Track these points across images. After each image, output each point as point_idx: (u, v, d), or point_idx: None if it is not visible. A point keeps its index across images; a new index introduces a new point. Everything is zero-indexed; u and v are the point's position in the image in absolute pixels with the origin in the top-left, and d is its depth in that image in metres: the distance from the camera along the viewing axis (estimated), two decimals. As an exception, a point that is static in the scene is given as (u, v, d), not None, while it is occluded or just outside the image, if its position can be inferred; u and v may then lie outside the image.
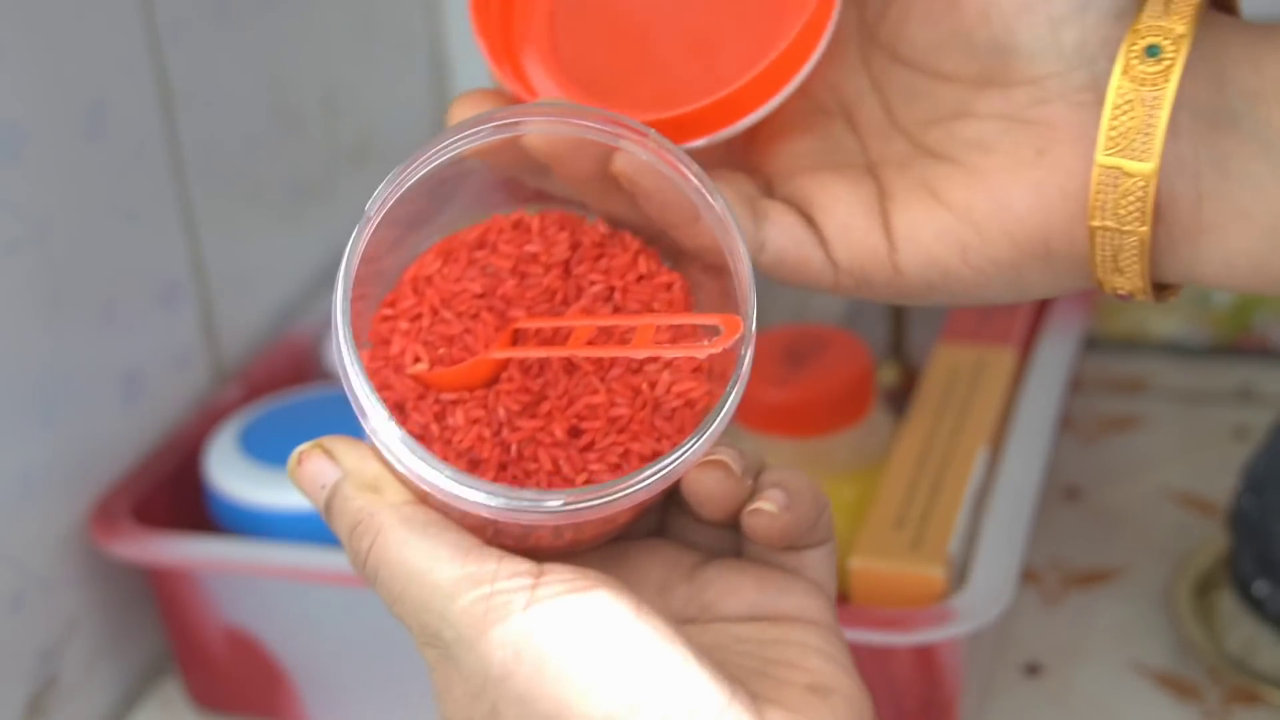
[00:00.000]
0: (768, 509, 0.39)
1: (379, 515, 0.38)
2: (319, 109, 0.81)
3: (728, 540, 0.41)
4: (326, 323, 0.78)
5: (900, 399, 0.73)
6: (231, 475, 0.64)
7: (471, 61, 0.95)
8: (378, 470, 0.39)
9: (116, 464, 0.66)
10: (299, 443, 0.65)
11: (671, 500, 0.42)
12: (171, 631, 0.65)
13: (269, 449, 0.65)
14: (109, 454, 0.66)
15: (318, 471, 0.40)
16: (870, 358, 0.62)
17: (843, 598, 0.57)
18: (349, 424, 0.70)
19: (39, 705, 0.62)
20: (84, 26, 0.63)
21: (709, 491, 0.39)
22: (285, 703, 0.64)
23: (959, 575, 0.57)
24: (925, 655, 0.55)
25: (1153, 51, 0.38)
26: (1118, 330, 0.85)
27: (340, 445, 0.40)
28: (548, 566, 0.37)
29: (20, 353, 0.61)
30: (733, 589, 0.40)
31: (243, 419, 0.68)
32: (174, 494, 0.66)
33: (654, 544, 0.41)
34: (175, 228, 0.70)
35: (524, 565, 0.36)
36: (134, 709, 0.67)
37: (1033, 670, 0.65)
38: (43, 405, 0.62)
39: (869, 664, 0.56)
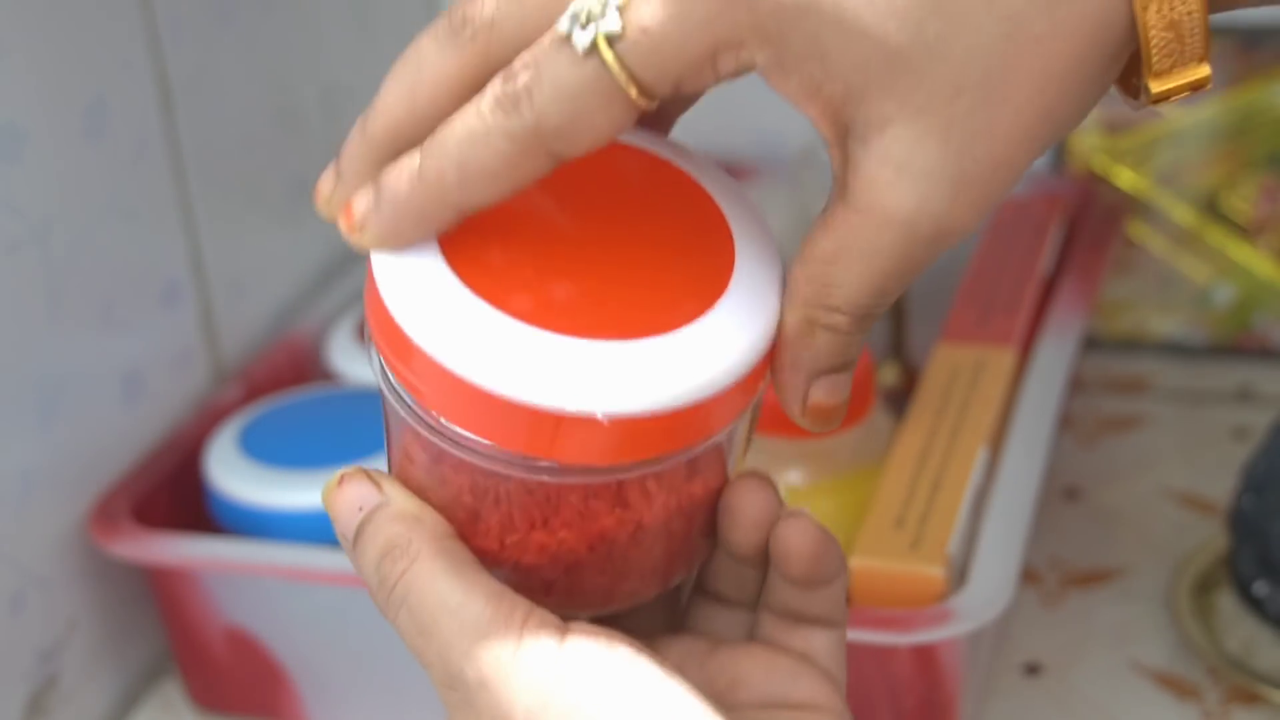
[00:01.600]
0: (805, 513, 0.39)
1: (417, 543, 0.37)
2: (319, 109, 0.81)
3: (743, 626, 0.41)
4: (326, 323, 0.78)
5: (900, 399, 0.73)
6: (231, 475, 0.64)
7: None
8: (420, 503, 0.38)
9: (116, 464, 0.66)
10: (299, 443, 0.66)
11: (690, 587, 0.42)
12: (171, 631, 0.65)
13: (269, 449, 0.65)
14: (109, 454, 0.66)
15: (358, 494, 0.38)
16: (870, 358, 0.62)
17: (843, 598, 0.57)
18: (349, 423, 0.70)
19: (39, 705, 0.62)
20: (84, 26, 0.63)
21: (746, 503, 0.39)
22: (285, 703, 0.64)
23: (959, 575, 0.57)
24: (925, 655, 0.55)
25: None
26: (1118, 330, 0.85)
27: (384, 475, 0.39)
28: (574, 624, 0.36)
29: (20, 353, 0.61)
30: (743, 678, 0.40)
31: (243, 419, 0.68)
32: (174, 494, 0.66)
33: (670, 637, 0.41)
34: (175, 228, 0.70)
35: (552, 617, 0.36)
36: (134, 709, 0.67)
37: (1033, 670, 0.65)
38: (43, 405, 0.62)
39: (869, 664, 0.56)
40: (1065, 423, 0.80)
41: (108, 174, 0.65)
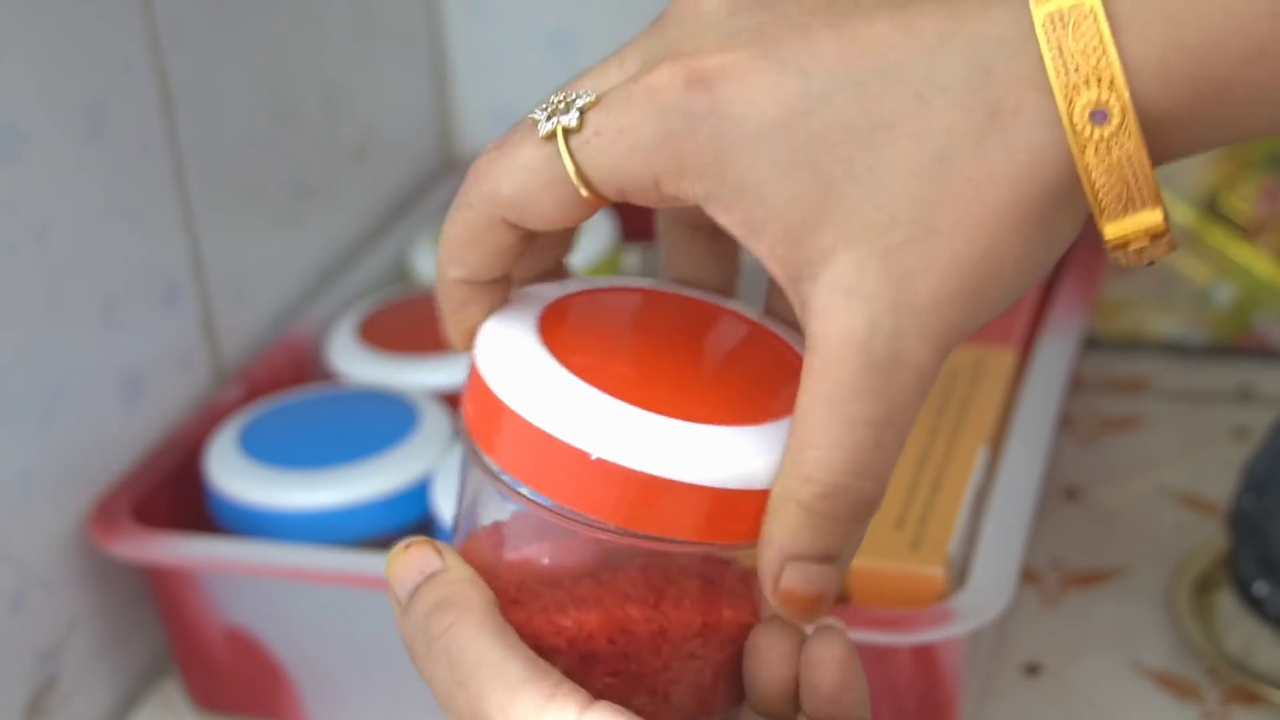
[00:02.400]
0: (835, 624, 0.39)
1: (470, 600, 0.39)
2: (319, 109, 0.82)
3: None
4: (326, 323, 0.78)
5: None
6: (231, 475, 0.64)
7: (472, 61, 0.95)
8: (474, 573, 0.40)
9: (116, 464, 0.66)
10: (299, 443, 0.66)
11: None
12: (171, 632, 0.65)
13: (269, 449, 0.65)
14: (109, 454, 0.66)
15: (421, 559, 0.40)
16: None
17: (843, 598, 0.57)
18: (349, 423, 0.70)
19: (39, 705, 0.62)
20: (84, 27, 0.63)
21: (774, 639, 0.40)
22: (285, 703, 0.64)
23: (959, 575, 0.57)
24: (925, 655, 0.55)
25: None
26: (1118, 330, 0.85)
27: (446, 546, 0.41)
28: (602, 701, 0.38)
29: (21, 353, 0.61)
30: None
31: (243, 419, 0.68)
32: (174, 494, 0.66)
33: None
34: (175, 228, 0.70)
35: (581, 691, 0.38)
36: (134, 709, 0.67)
37: (1033, 670, 0.65)
38: (43, 405, 0.62)
39: (869, 664, 0.56)
40: (1065, 423, 0.80)
41: (108, 174, 0.65)
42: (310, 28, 0.81)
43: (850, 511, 0.36)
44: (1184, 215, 0.83)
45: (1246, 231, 0.82)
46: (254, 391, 0.72)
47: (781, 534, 0.37)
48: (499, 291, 0.40)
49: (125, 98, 0.66)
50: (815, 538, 0.37)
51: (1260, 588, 0.63)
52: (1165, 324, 0.84)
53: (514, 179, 0.38)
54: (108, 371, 0.66)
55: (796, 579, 0.37)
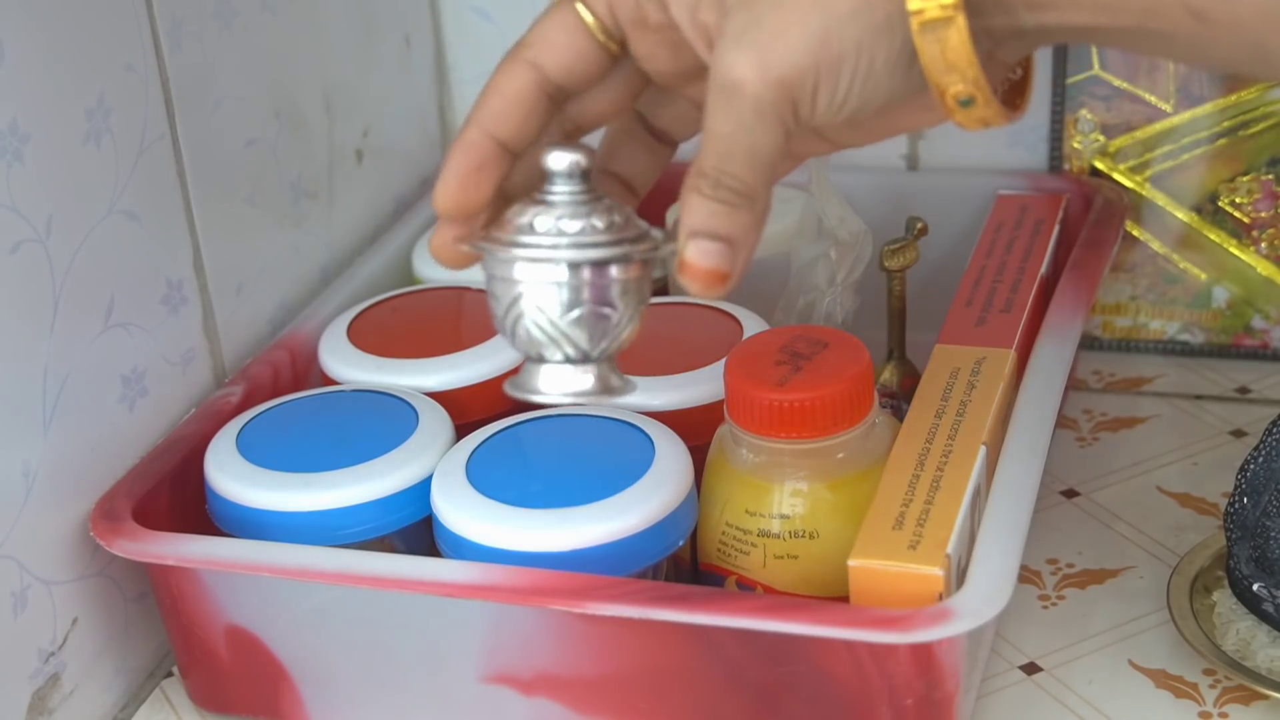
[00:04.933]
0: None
1: None
2: (319, 109, 0.82)
3: None
4: (326, 323, 0.78)
5: (900, 399, 0.73)
6: (231, 475, 0.64)
7: (472, 61, 0.95)
8: None
9: (117, 464, 0.66)
10: (299, 444, 0.66)
11: None
12: (172, 631, 0.65)
13: (269, 449, 0.65)
14: (109, 454, 0.66)
15: None
16: (870, 358, 0.63)
17: (842, 597, 0.57)
18: (348, 424, 0.70)
19: (41, 705, 0.63)
20: (86, 27, 0.63)
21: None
22: (286, 703, 0.64)
23: (958, 575, 0.57)
24: (924, 654, 0.55)
25: None
26: (1117, 330, 0.85)
27: None
28: None
29: (22, 353, 0.61)
30: None
31: (243, 419, 0.68)
32: (174, 494, 0.66)
33: None
34: (176, 228, 0.70)
35: None
36: (136, 708, 0.67)
37: (1031, 670, 0.65)
38: (44, 405, 0.62)
39: (869, 663, 0.56)
40: (1065, 423, 0.80)
41: (109, 175, 0.65)
42: (310, 28, 0.81)
43: (732, 197, 0.48)
44: (1184, 215, 0.83)
45: (1246, 231, 0.82)
46: (254, 391, 0.72)
47: (686, 216, 0.48)
48: (508, 161, 0.52)
49: (126, 98, 0.66)
50: (708, 218, 0.47)
51: (1258, 588, 0.63)
52: (1165, 324, 0.85)
53: (534, 27, 0.51)
54: (108, 371, 0.66)
55: (694, 252, 0.48)
